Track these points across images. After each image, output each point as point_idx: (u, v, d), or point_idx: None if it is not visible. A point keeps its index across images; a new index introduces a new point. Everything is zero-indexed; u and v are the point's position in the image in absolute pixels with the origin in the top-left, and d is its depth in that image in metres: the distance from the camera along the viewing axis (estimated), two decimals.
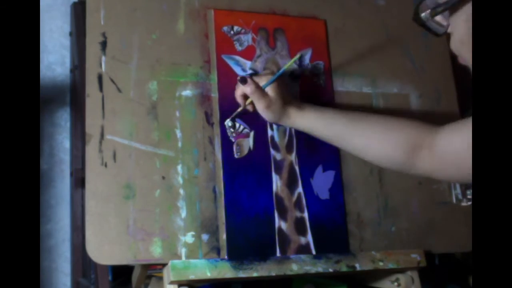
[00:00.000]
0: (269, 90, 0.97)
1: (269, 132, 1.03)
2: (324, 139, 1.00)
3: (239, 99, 1.00)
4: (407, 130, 0.94)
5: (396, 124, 0.96)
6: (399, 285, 1.07)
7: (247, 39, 1.07)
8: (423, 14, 0.75)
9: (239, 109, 1.01)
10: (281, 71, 0.98)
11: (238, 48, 1.06)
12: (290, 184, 1.02)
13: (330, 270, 0.99)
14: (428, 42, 1.20)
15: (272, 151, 1.03)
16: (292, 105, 0.99)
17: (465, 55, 0.75)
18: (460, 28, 0.74)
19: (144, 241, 0.92)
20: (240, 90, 0.99)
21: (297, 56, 0.98)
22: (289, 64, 0.99)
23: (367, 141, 0.96)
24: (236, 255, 0.95)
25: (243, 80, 0.96)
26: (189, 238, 0.95)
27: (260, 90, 0.97)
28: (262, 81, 0.98)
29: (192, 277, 0.92)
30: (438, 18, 0.75)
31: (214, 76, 1.04)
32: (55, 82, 1.54)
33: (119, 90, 0.98)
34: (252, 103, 1.00)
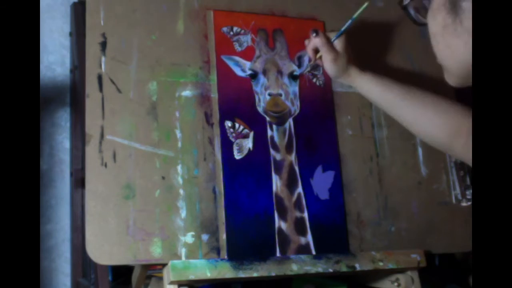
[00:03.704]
0: (337, 45, 1.04)
1: (269, 132, 1.04)
2: (377, 104, 1.05)
3: (310, 52, 1.06)
4: (454, 114, 0.97)
5: (445, 107, 0.98)
6: (399, 285, 1.07)
7: (246, 39, 1.07)
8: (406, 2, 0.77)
9: (310, 63, 1.07)
10: (349, 22, 1.03)
11: (238, 48, 1.06)
12: (290, 184, 1.02)
13: (330, 270, 0.99)
14: (427, 42, 1.19)
15: (272, 151, 1.03)
16: (355, 65, 1.05)
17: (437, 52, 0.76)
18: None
19: (144, 241, 0.92)
20: (312, 43, 1.05)
21: (366, 4, 1.01)
22: (357, 14, 1.02)
23: (417, 116, 1.00)
24: (236, 255, 0.95)
25: (316, 32, 1.03)
26: (189, 238, 0.95)
27: (330, 43, 1.03)
28: (331, 35, 1.04)
29: (192, 277, 0.92)
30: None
31: (214, 77, 1.04)
32: (55, 82, 1.54)
33: (119, 90, 0.98)
34: (320, 58, 1.05)
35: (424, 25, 0.78)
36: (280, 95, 1.06)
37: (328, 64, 1.04)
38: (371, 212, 1.07)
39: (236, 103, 1.03)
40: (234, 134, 1.01)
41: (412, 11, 0.78)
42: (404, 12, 0.78)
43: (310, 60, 1.07)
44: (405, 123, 1.02)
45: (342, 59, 1.04)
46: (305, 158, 1.04)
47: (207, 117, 1.01)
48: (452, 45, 0.70)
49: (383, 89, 1.03)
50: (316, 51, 1.06)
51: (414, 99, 1.01)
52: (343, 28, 1.03)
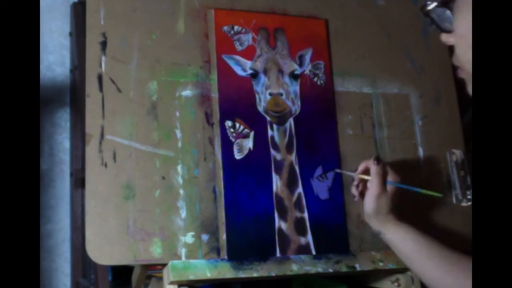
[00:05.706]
0: (389, 188, 0.98)
1: (269, 132, 1.03)
2: (400, 255, 0.98)
3: (360, 166, 1.02)
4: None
5: (464, 269, 0.91)
6: (399, 285, 1.07)
7: (247, 38, 1.07)
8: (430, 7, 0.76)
9: (350, 173, 1.03)
10: (415, 188, 0.99)
11: (239, 47, 1.06)
12: (290, 184, 1.02)
13: (330, 270, 0.99)
14: (428, 42, 1.20)
15: (272, 151, 1.03)
16: (394, 216, 0.99)
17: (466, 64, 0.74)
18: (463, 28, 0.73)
19: (144, 241, 0.92)
20: (367, 165, 1.00)
21: (440, 195, 0.99)
22: (426, 192, 0.99)
23: (432, 281, 0.94)
24: (236, 255, 0.95)
25: (378, 160, 0.98)
26: (189, 238, 0.95)
27: (383, 178, 0.98)
28: (391, 176, 0.99)
29: (192, 277, 0.92)
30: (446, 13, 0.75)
31: (214, 76, 1.03)
32: (55, 82, 1.55)
33: (119, 90, 0.98)
34: (364, 181, 1.01)
35: (447, 31, 0.76)
36: (281, 94, 1.06)
37: (371, 197, 0.97)
38: None
39: (236, 102, 1.03)
40: (234, 134, 1.01)
41: (435, 16, 0.76)
42: (425, 17, 0.76)
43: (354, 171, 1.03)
44: (427, 282, 0.95)
45: (385, 201, 0.97)
46: (306, 158, 1.04)
47: (208, 117, 1.01)
48: None
49: (413, 247, 0.96)
50: (366, 171, 1.00)
51: (438, 259, 0.93)
52: (405, 186, 0.98)
